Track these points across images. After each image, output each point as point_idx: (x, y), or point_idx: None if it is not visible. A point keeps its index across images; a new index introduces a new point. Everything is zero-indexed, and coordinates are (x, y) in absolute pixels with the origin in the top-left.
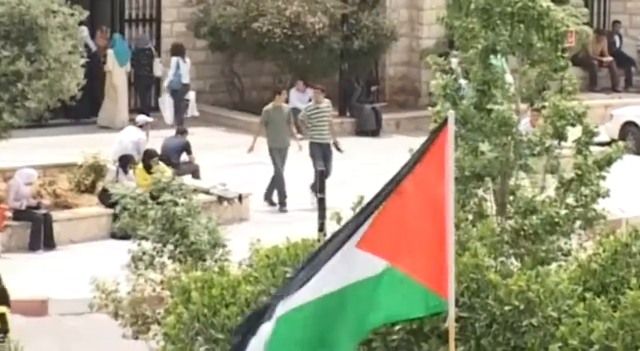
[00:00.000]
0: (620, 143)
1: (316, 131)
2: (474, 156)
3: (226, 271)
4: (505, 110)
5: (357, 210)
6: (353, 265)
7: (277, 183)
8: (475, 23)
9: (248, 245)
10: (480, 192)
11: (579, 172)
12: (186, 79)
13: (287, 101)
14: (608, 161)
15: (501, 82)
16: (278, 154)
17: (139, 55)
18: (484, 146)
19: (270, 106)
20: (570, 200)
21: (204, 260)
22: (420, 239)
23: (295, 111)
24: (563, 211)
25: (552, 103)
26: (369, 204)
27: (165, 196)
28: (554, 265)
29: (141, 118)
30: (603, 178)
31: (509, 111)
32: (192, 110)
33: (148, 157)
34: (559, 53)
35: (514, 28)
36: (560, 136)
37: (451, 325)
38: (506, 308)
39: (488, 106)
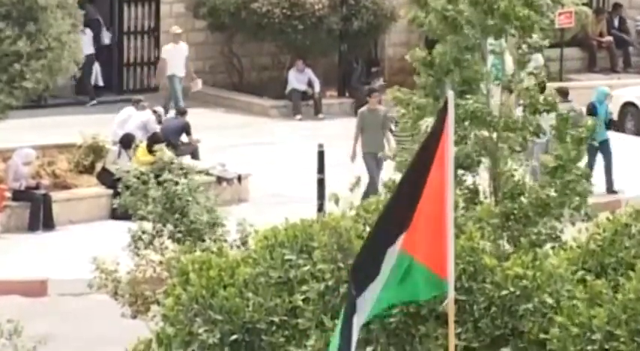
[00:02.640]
0: (590, 122)
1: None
2: (463, 144)
3: (225, 252)
4: (478, 107)
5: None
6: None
7: (369, 192)
8: (438, 26)
9: (236, 226)
10: (470, 178)
11: (560, 163)
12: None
13: (286, 82)
14: (580, 141)
15: (483, 75)
16: (373, 160)
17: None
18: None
19: (364, 108)
20: (558, 186)
21: (204, 240)
22: (423, 221)
23: (294, 92)
24: (553, 193)
25: (525, 92)
26: (399, 204)
27: (166, 175)
28: (548, 246)
29: (137, 98)
30: (582, 155)
31: (481, 105)
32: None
33: (153, 141)
34: (526, 46)
35: (486, 20)
36: (536, 129)
37: (450, 305)
38: (503, 293)
39: (462, 102)
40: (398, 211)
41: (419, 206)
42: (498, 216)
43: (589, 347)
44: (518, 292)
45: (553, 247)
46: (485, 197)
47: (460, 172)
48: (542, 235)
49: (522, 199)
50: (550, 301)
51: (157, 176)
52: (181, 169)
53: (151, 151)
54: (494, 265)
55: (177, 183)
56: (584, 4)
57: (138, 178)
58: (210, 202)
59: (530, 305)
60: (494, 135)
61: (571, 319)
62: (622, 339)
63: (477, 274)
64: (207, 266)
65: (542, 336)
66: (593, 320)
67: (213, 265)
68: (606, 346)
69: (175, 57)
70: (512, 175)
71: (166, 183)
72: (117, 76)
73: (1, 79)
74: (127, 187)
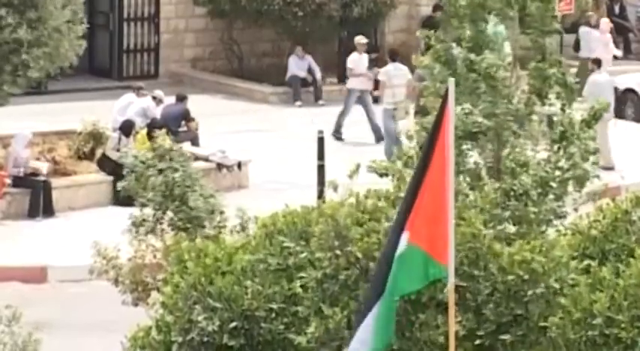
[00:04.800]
0: (603, 99)
1: None
2: (466, 116)
3: (221, 239)
4: (491, 59)
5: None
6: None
7: None
8: None
9: (236, 211)
10: (475, 153)
11: (563, 130)
12: None
13: (286, 68)
14: (594, 116)
15: (494, 45)
16: None
17: None
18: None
19: None
20: (562, 163)
21: (204, 227)
22: (424, 207)
23: (294, 78)
24: (556, 172)
25: (536, 67)
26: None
27: (165, 163)
28: (551, 231)
29: (137, 85)
30: (593, 138)
31: (495, 60)
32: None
33: (153, 127)
34: (549, 14)
35: None
36: (542, 95)
37: (450, 292)
38: (510, 277)
39: (473, 57)
40: (404, 204)
41: (420, 194)
42: (498, 198)
43: (589, 333)
44: (526, 277)
45: (558, 231)
46: (482, 180)
47: (465, 146)
48: (542, 214)
49: (523, 176)
50: (557, 286)
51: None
52: (181, 156)
53: (150, 138)
54: (501, 250)
55: (176, 170)
56: None
57: (143, 163)
58: (207, 190)
59: (538, 290)
60: (502, 109)
61: (574, 304)
62: (622, 325)
63: (479, 260)
64: (204, 253)
65: (541, 324)
66: (595, 305)
67: (209, 253)
68: (606, 332)
69: (359, 67)
70: (515, 153)
71: (166, 171)
72: (117, 62)
73: (5, 69)
74: (132, 172)
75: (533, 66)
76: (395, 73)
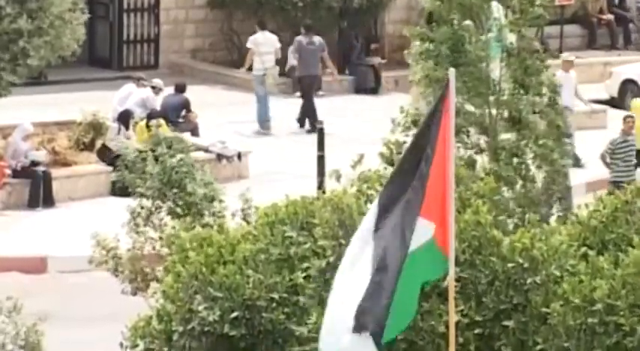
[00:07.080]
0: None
1: (621, 169)
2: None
3: (225, 228)
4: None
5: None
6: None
7: None
8: None
9: (239, 196)
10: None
11: (512, 115)
12: None
13: (286, 59)
14: (552, 98)
15: (476, 37)
16: None
17: None
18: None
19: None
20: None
21: (202, 215)
22: (432, 197)
23: (293, 69)
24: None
25: (518, 60)
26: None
27: (162, 149)
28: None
29: (138, 75)
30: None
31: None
32: None
33: (153, 118)
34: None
35: None
36: (524, 87)
37: (451, 283)
38: (510, 265)
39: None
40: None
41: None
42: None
43: (589, 320)
44: (526, 265)
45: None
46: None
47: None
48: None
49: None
50: (557, 273)
51: (152, 151)
52: (180, 142)
53: (149, 127)
54: (501, 238)
55: (173, 156)
56: None
57: (137, 156)
58: (207, 176)
59: (537, 278)
60: (493, 111)
61: (573, 291)
62: (622, 312)
63: (482, 248)
64: (207, 243)
65: (543, 310)
66: (594, 292)
67: (213, 242)
68: (606, 319)
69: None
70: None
71: (162, 157)
72: (117, 53)
73: (3, 57)
74: (126, 166)
75: (514, 58)
76: (263, 42)
